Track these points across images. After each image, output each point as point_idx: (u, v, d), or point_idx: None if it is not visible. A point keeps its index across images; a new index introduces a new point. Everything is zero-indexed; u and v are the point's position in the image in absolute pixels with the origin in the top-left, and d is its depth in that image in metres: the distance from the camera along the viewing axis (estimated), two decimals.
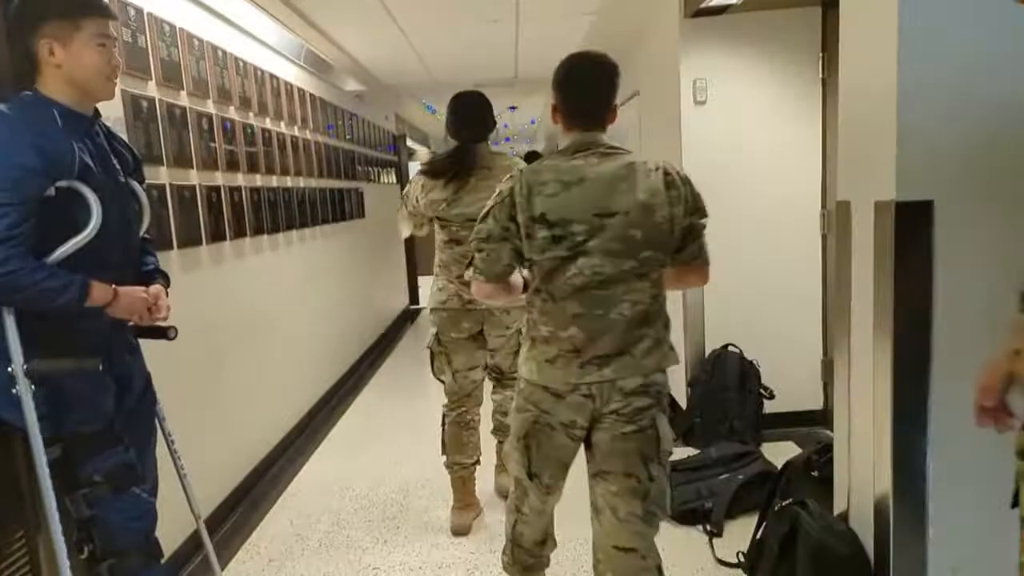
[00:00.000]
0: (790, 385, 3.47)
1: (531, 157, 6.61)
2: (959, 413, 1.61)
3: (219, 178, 3.03)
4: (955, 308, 1.60)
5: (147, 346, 1.83)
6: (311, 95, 4.47)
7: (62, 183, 1.49)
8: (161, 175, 2.54)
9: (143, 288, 1.67)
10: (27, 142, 1.44)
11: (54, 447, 1.54)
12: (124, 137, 1.97)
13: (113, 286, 1.56)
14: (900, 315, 1.61)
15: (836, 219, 1.91)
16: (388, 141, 7.20)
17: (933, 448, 1.63)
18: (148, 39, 2.48)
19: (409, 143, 8.70)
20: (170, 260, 2.52)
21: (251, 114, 3.43)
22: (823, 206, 3.45)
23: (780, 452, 3.22)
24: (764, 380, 3.41)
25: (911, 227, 1.58)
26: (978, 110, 1.56)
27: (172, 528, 2.11)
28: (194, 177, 2.80)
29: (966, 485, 1.64)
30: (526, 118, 10.05)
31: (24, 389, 1.48)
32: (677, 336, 3.73)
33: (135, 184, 1.74)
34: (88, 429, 1.58)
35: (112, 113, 2.09)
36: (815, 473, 2.12)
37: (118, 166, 1.67)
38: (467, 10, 3.84)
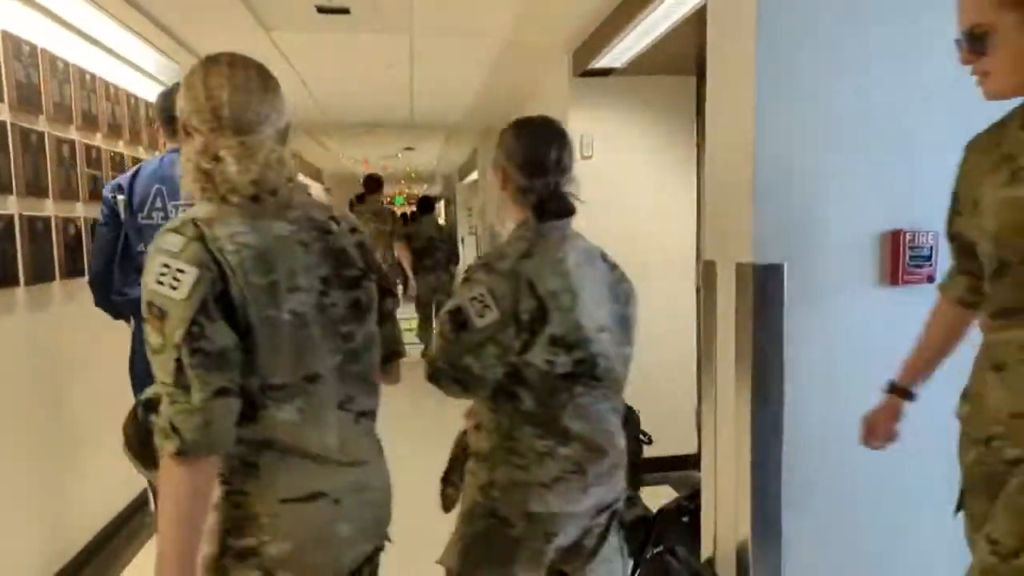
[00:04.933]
0: (667, 430, 3.57)
1: (424, 202, 6.54)
2: (810, 461, 1.75)
3: (79, 209, 2.81)
4: (804, 365, 1.73)
5: None
6: None
7: None
8: (10, 204, 2.33)
9: None
10: None
11: None
12: None
13: None
14: (757, 370, 1.72)
15: (703, 277, 2.04)
16: None
17: (787, 497, 1.73)
18: (1, 59, 2.29)
19: (300, 178, 8.50)
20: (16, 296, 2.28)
21: (121, 142, 3.22)
22: (698, 260, 3.67)
23: (658, 496, 3.32)
24: (643, 426, 3.52)
25: (767, 287, 1.70)
26: (826, 180, 1.73)
27: None
28: (50, 207, 2.58)
29: (818, 530, 1.75)
30: (424, 159, 10.10)
31: None
32: None
33: None
34: None
35: None
36: (685, 519, 2.19)
37: None
38: (362, 55, 3.84)
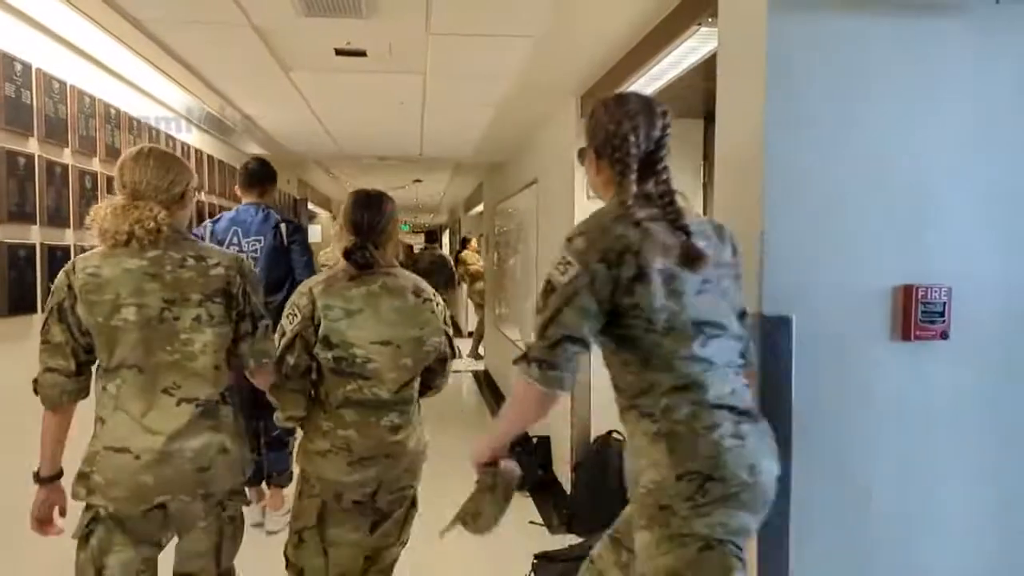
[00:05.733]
0: None
1: (429, 235, 6.62)
2: (818, 510, 1.75)
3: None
4: (813, 417, 1.74)
5: None
6: (208, 156, 4.36)
7: None
8: (32, 234, 2.38)
9: None
10: None
11: None
12: None
13: None
14: (766, 417, 1.73)
15: None
16: (288, 204, 7.07)
17: (794, 549, 1.73)
18: (34, 95, 2.36)
19: (310, 206, 8.62)
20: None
21: None
22: None
23: None
24: None
25: (776, 340, 1.72)
26: (837, 232, 1.75)
27: None
28: (70, 237, 2.63)
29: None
30: (431, 190, 10.21)
31: None
32: (563, 420, 3.82)
33: None
34: None
35: None
36: None
37: None
38: (375, 93, 3.93)
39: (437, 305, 2.06)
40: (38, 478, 1.65)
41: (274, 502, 3.49)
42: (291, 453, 3.37)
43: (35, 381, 1.61)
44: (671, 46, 2.56)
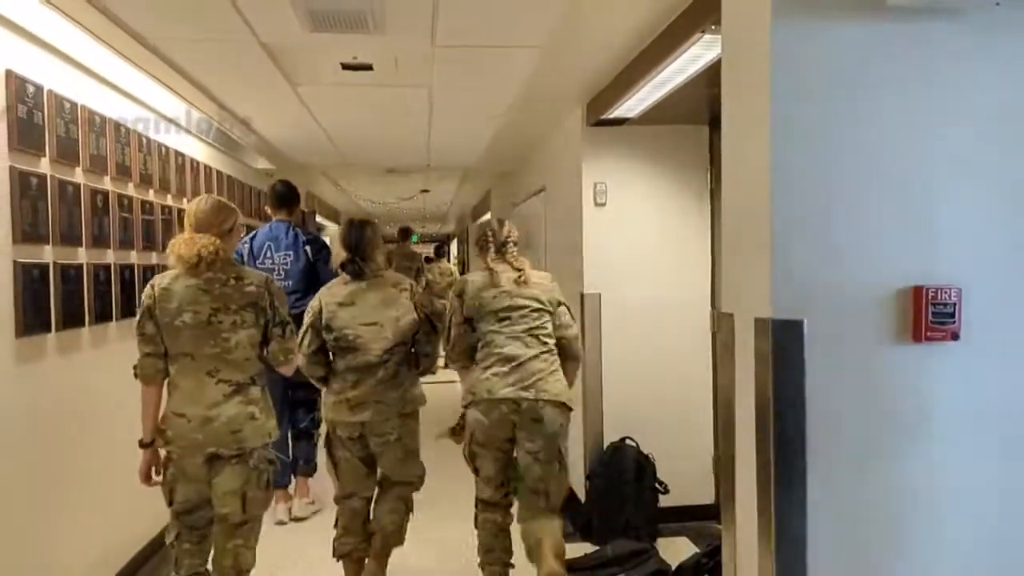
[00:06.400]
0: (684, 479, 3.57)
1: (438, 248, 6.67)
2: (835, 515, 1.73)
3: (110, 256, 2.90)
4: (826, 421, 1.73)
5: None
6: (217, 171, 4.39)
7: None
8: (45, 254, 2.41)
9: None
10: None
11: None
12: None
13: None
14: (778, 426, 1.72)
15: (721, 328, 2.06)
16: (296, 217, 7.11)
17: (811, 553, 1.72)
18: (45, 115, 2.40)
19: (319, 219, 8.67)
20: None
21: (151, 191, 3.33)
22: (713, 306, 3.69)
23: (675, 547, 3.29)
24: (659, 474, 3.50)
25: (786, 343, 1.72)
26: (845, 234, 1.75)
27: None
28: (82, 255, 2.66)
29: None
30: (439, 200, 10.24)
31: None
32: (576, 428, 3.81)
33: None
34: None
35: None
36: None
37: None
38: (382, 106, 3.96)
39: (412, 293, 2.78)
40: (142, 444, 2.25)
41: (301, 490, 3.85)
42: (315, 445, 3.82)
43: (135, 366, 2.24)
44: (675, 53, 2.57)
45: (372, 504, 2.80)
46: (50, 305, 2.43)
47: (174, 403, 2.23)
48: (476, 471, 2.63)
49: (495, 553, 2.62)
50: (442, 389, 5.48)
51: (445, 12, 2.53)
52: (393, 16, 2.55)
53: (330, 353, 2.73)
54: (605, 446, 3.59)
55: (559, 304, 2.66)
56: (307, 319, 2.69)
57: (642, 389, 3.62)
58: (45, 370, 2.44)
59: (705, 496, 3.63)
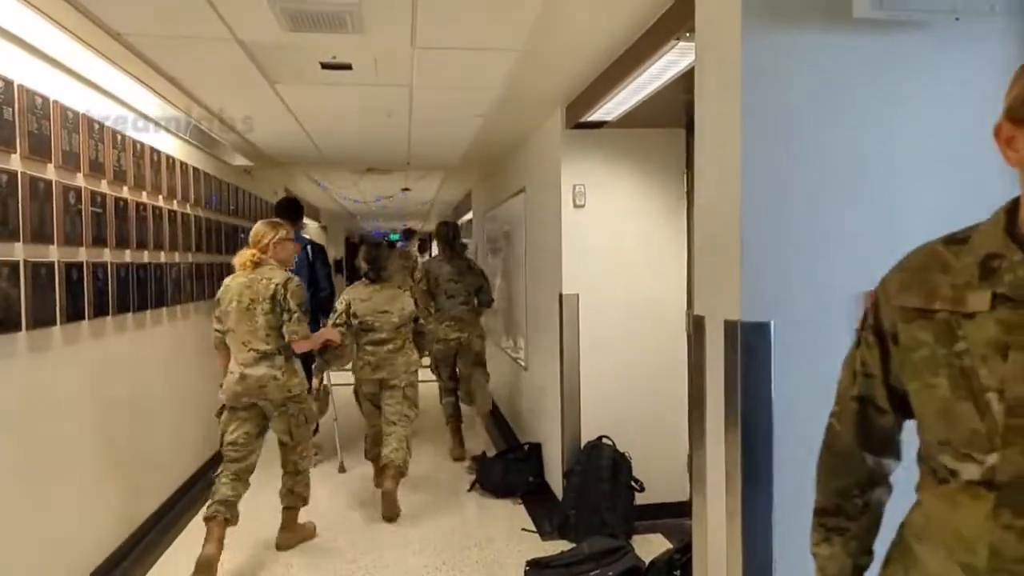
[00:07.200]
0: (659, 477, 3.62)
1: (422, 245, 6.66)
2: (802, 514, 1.77)
3: (82, 254, 2.87)
4: (795, 416, 1.77)
5: None
6: (193, 168, 4.36)
7: None
8: (16, 251, 2.38)
9: None
10: None
11: None
12: None
13: None
14: (746, 427, 1.76)
15: (694, 332, 2.09)
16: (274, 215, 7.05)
17: (780, 549, 1.76)
18: (16, 111, 2.37)
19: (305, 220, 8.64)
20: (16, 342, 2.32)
21: (125, 188, 3.30)
22: (689, 307, 3.73)
23: (649, 544, 3.33)
24: (635, 472, 3.54)
25: (754, 345, 1.75)
26: (814, 238, 1.79)
27: None
28: (54, 253, 2.63)
29: None
30: (420, 198, 10.22)
31: None
32: (554, 426, 3.84)
33: None
34: None
35: None
36: (677, 572, 2.22)
37: None
38: (362, 105, 3.95)
39: (409, 292, 4.19)
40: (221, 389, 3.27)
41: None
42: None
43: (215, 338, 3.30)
44: (651, 60, 2.60)
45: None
46: (20, 304, 2.40)
47: (229, 364, 3.22)
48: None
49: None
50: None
51: (424, 14, 2.53)
52: (372, 17, 2.55)
53: (354, 332, 3.97)
54: (582, 444, 3.63)
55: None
56: (339, 307, 3.99)
57: (619, 388, 3.66)
58: (17, 368, 2.42)
59: (680, 494, 3.68)
